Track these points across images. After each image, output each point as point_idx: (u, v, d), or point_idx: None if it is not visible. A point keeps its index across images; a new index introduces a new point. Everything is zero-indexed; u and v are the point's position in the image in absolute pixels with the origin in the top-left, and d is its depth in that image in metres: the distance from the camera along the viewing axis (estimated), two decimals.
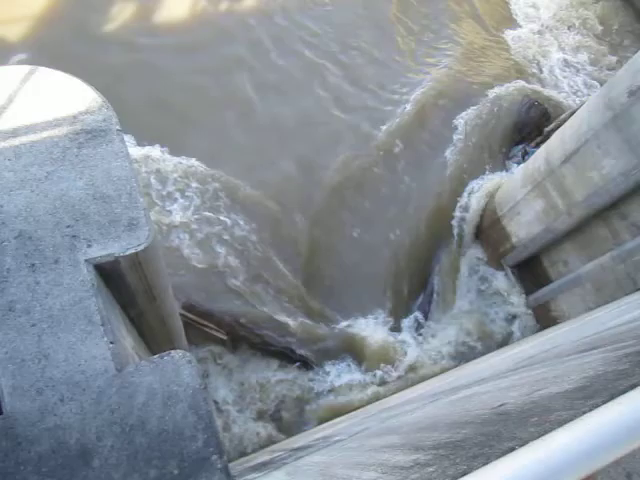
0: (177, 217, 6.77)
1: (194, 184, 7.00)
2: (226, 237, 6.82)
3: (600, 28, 10.16)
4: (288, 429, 6.19)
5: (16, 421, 2.11)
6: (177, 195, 6.90)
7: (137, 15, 8.34)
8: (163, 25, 8.37)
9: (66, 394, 2.18)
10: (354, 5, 9.48)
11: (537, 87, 9.19)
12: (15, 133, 2.79)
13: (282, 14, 9.00)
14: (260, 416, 6.21)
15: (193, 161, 7.14)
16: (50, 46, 7.57)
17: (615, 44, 10.00)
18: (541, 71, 9.51)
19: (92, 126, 2.85)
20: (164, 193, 6.88)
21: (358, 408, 6.19)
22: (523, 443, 1.14)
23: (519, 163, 8.13)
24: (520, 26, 10.16)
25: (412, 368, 6.83)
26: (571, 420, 1.14)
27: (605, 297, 6.19)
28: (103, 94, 2.99)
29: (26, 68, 3.07)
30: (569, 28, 10.08)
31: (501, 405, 1.75)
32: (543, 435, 1.11)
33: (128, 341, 2.66)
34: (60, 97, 2.94)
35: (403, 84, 8.81)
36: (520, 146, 8.49)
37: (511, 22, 10.26)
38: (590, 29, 10.16)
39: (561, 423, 1.14)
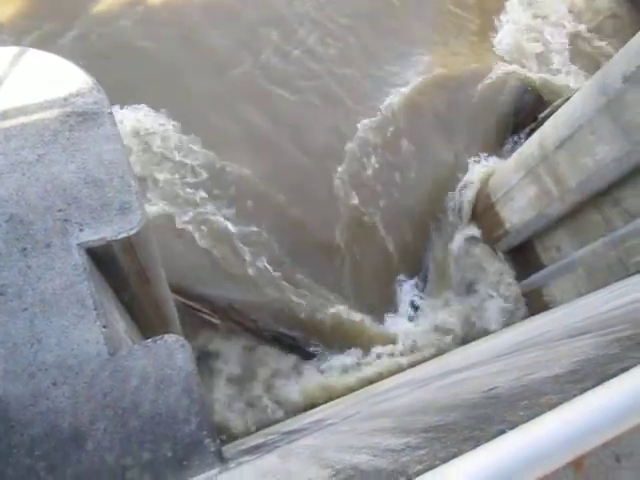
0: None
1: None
2: (221, 219, 6.80)
3: (594, 15, 10.11)
4: (279, 413, 6.24)
5: (9, 405, 2.12)
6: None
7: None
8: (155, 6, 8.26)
9: (59, 378, 2.18)
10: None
11: (531, 73, 9.14)
12: (5, 115, 2.75)
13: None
14: (251, 401, 6.25)
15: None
16: (38, 27, 7.44)
17: (608, 31, 9.95)
18: (535, 57, 9.46)
19: (83, 108, 2.82)
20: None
21: (350, 392, 6.24)
22: (513, 426, 1.16)
23: (513, 149, 8.12)
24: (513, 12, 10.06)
25: (404, 352, 6.88)
26: (561, 403, 1.15)
27: (597, 282, 6.24)
28: (95, 75, 2.95)
29: (15, 49, 3.02)
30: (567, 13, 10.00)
31: (492, 389, 1.77)
32: (533, 418, 1.12)
33: (121, 325, 2.66)
34: (50, 79, 2.90)
35: (394, 73, 8.75)
36: (514, 132, 8.48)
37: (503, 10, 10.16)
38: (585, 17, 10.10)
39: (551, 406, 1.16)
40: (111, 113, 2.84)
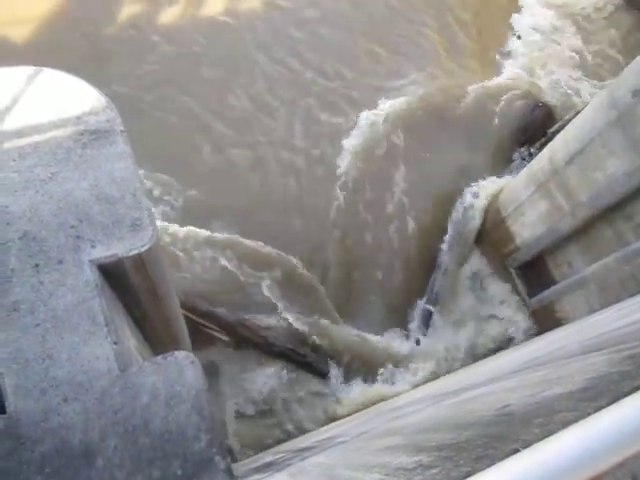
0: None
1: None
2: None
3: (603, 31, 10.12)
4: (289, 430, 6.19)
5: (19, 421, 2.12)
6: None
7: (140, 17, 8.35)
8: (165, 28, 8.38)
9: (69, 394, 2.18)
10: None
11: (540, 88, 9.14)
12: (20, 134, 2.80)
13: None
14: (261, 416, 6.21)
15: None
16: (53, 47, 7.59)
17: (618, 46, 9.95)
18: (545, 73, 9.46)
19: (96, 127, 2.86)
20: None
21: (362, 409, 6.18)
22: (527, 445, 1.14)
23: (522, 164, 8.10)
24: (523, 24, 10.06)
25: (415, 371, 6.82)
26: (575, 421, 1.14)
27: (609, 298, 6.16)
28: (110, 97, 2.99)
29: (30, 69, 3.07)
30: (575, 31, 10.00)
31: (505, 406, 1.75)
32: (547, 437, 1.10)
33: (131, 342, 2.66)
34: (64, 98, 2.95)
35: (396, 87, 8.76)
36: (524, 147, 8.46)
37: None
38: (593, 33, 10.11)
39: (565, 424, 1.14)
40: (123, 131, 2.88)
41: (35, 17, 7.87)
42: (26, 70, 3.07)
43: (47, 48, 7.56)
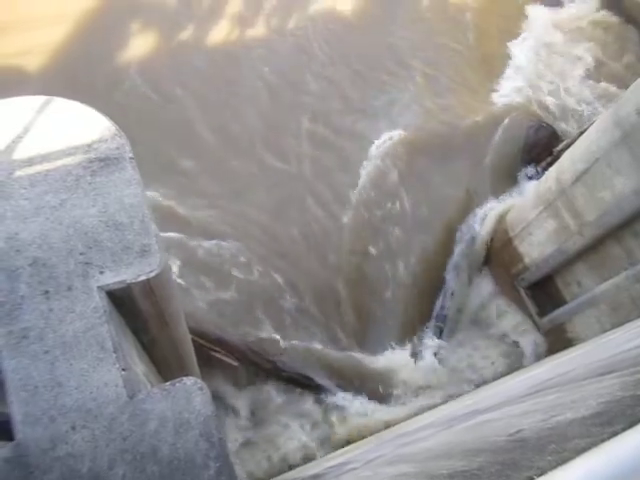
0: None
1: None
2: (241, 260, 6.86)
3: (607, 47, 10.19)
4: (297, 456, 6.11)
5: (28, 449, 2.11)
6: None
7: (152, 47, 8.53)
8: (178, 56, 8.54)
9: (78, 422, 2.17)
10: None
11: (545, 107, 9.19)
12: (30, 162, 2.84)
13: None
14: (270, 441, 6.14)
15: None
16: (65, 76, 7.74)
17: (622, 63, 10.01)
18: (548, 93, 9.51)
19: (105, 154, 2.90)
20: None
21: (371, 434, 6.10)
22: (541, 473, 1.12)
23: (530, 184, 8.10)
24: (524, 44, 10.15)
25: (425, 394, 6.74)
26: (589, 448, 1.12)
27: (621, 318, 6.09)
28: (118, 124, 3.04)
29: (42, 98, 3.13)
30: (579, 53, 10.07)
31: (517, 432, 1.72)
32: (561, 464, 1.08)
33: (140, 367, 2.66)
34: (74, 126, 3.00)
35: (400, 111, 8.83)
36: (530, 167, 8.48)
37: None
38: (596, 50, 10.17)
39: (579, 452, 1.12)
40: (132, 158, 2.92)
41: (46, 47, 8.05)
42: (38, 99, 3.13)
43: (59, 78, 7.70)
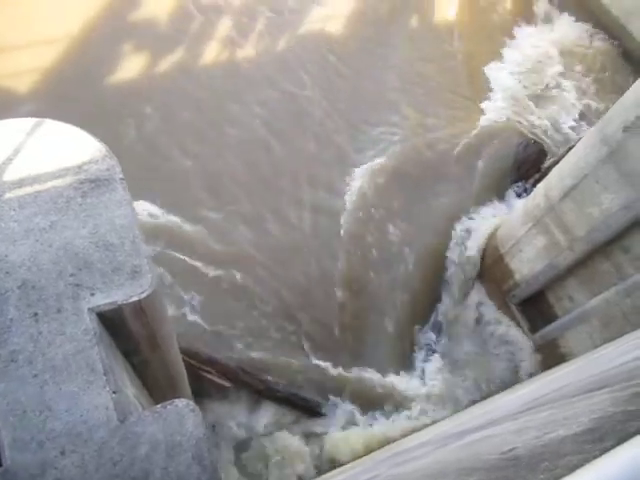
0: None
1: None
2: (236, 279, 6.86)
3: (594, 67, 10.39)
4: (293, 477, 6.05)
5: (16, 475, 2.07)
6: None
7: (144, 67, 8.59)
8: (170, 74, 8.61)
9: (67, 446, 2.14)
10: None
11: (532, 125, 9.31)
12: (20, 184, 2.84)
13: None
14: (263, 462, 6.08)
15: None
16: (56, 98, 7.77)
17: (603, 82, 10.20)
18: (536, 111, 9.65)
19: (96, 175, 2.90)
20: None
21: (366, 454, 6.04)
22: None
23: (519, 201, 8.18)
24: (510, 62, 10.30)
25: (418, 411, 6.70)
26: (581, 465, 1.12)
27: (613, 332, 6.11)
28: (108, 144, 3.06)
29: (32, 120, 3.15)
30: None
31: (511, 450, 1.72)
32: None
33: (131, 390, 2.63)
34: (65, 148, 3.01)
35: (389, 126, 8.92)
36: (519, 184, 8.56)
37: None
38: (583, 71, 10.36)
39: (571, 469, 1.12)
40: (123, 179, 2.93)
41: (37, 69, 8.08)
42: (28, 121, 3.14)
43: (50, 99, 7.73)
